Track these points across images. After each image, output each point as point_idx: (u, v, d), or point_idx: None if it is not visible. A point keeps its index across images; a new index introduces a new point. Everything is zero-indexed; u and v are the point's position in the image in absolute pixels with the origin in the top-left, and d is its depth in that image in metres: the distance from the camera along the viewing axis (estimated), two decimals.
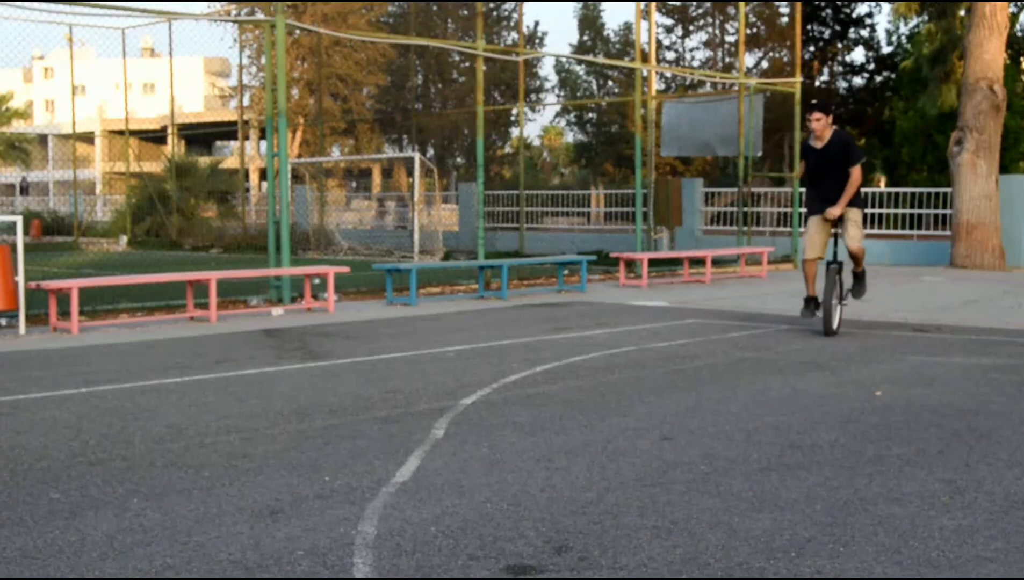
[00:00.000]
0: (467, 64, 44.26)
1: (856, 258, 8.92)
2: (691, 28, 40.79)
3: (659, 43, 39.31)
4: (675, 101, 23.85)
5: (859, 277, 9.21)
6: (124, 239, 25.22)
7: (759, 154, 22.70)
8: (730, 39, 39.99)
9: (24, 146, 48.02)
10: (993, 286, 14.75)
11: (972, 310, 11.36)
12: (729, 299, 12.53)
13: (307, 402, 5.85)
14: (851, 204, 8.69)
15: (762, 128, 20.60)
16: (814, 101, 8.67)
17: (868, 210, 21.69)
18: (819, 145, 8.67)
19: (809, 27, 31.33)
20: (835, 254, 8.87)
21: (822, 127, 8.59)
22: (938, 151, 26.09)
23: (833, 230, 8.87)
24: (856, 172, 8.58)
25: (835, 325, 8.86)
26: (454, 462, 4.48)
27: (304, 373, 6.91)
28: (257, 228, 26.69)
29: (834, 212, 8.58)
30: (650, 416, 5.49)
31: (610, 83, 46.59)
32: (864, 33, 32.86)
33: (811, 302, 8.97)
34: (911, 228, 21.48)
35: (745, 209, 19.02)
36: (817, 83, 32.36)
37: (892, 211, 21.64)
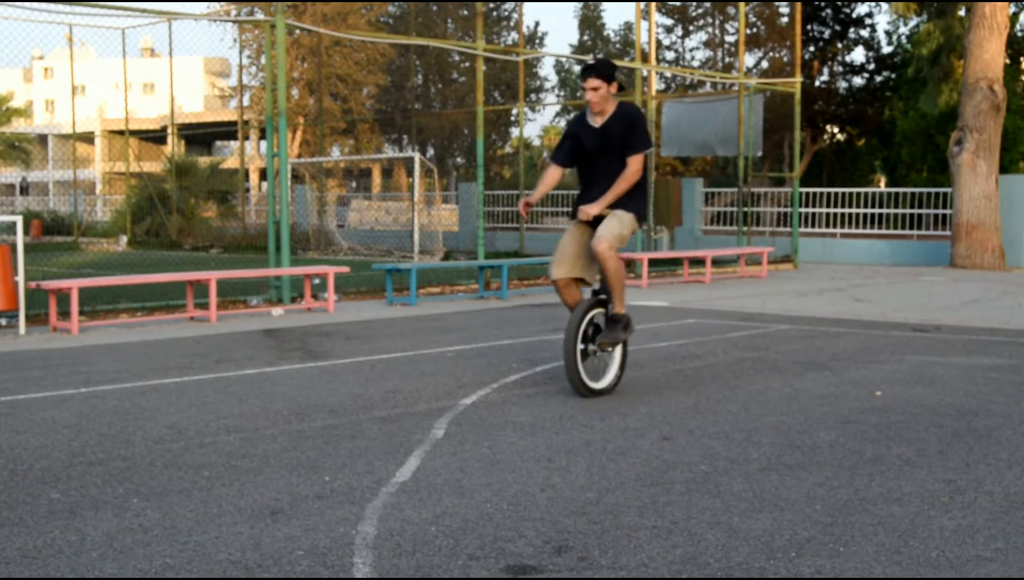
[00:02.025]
0: (467, 64, 44.26)
1: (602, 268, 6.00)
2: (691, 28, 40.80)
3: (659, 43, 39.31)
4: (675, 101, 23.85)
5: (615, 320, 6.07)
6: (124, 239, 25.21)
7: (759, 154, 22.71)
8: (730, 39, 40.00)
9: (24, 146, 48.00)
10: (993, 286, 14.75)
11: (972, 310, 11.36)
12: (729, 299, 12.53)
13: (307, 402, 5.85)
14: (625, 207, 6.06)
15: (762, 128, 20.60)
16: (590, 62, 6.10)
17: (868, 210, 21.79)
18: (597, 123, 6.10)
19: (809, 27, 31.33)
20: (602, 284, 6.17)
21: (600, 98, 6.01)
22: (938, 151, 26.11)
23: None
24: (635, 163, 5.99)
25: (597, 382, 6.04)
26: (454, 462, 4.48)
27: (304, 373, 6.91)
28: (257, 228, 26.69)
29: (589, 210, 6.01)
30: (650, 416, 5.49)
31: None
32: (864, 33, 32.87)
33: None
34: (911, 228, 21.50)
35: (745, 209, 19.02)
36: (817, 83, 32.36)
37: (892, 211, 21.65)
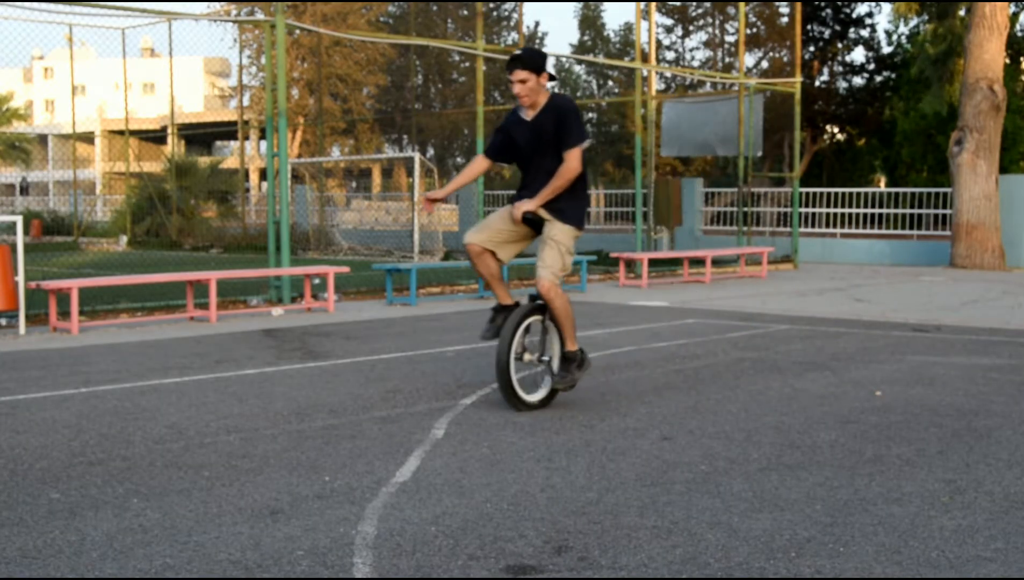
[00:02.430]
0: (467, 64, 44.26)
1: (549, 308, 5.58)
2: (691, 28, 40.81)
3: (659, 43, 39.33)
4: (675, 101, 23.85)
5: (568, 358, 5.66)
6: (124, 239, 25.21)
7: (759, 154, 22.71)
8: (730, 39, 40.01)
9: (24, 146, 48.00)
10: (993, 286, 14.75)
11: (972, 310, 11.36)
12: (729, 299, 12.53)
13: (307, 402, 5.85)
14: (562, 215, 5.60)
15: (762, 128, 20.60)
16: (516, 52, 5.62)
17: (868, 210, 21.80)
18: (529, 116, 5.65)
19: (809, 27, 31.33)
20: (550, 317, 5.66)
21: (529, 91, 5.55)
22: (938, 151, 26.13)
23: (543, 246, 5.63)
24: (572, 159, 5.51)
25: (531, 394, 5.62)
26: (454, 462, 4.48)
27: (304, 373, 6.91)
28: (257, 228, 26.69)
29: (524, 207, 5.54)
30: (650, 416, 5.49)
31: (610, 83, 46.60)
32: (864, 33, 32.88)
33: (496, 315, 5.75)
34: (911, 228, 21.50)
35: (745, 209, 19.02)
36: (817, 83, 32.37)
37: (892, 211, 21.66)
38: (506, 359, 5.40)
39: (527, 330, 5.59)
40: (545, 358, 5.71)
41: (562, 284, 5.61)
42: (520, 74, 5.52)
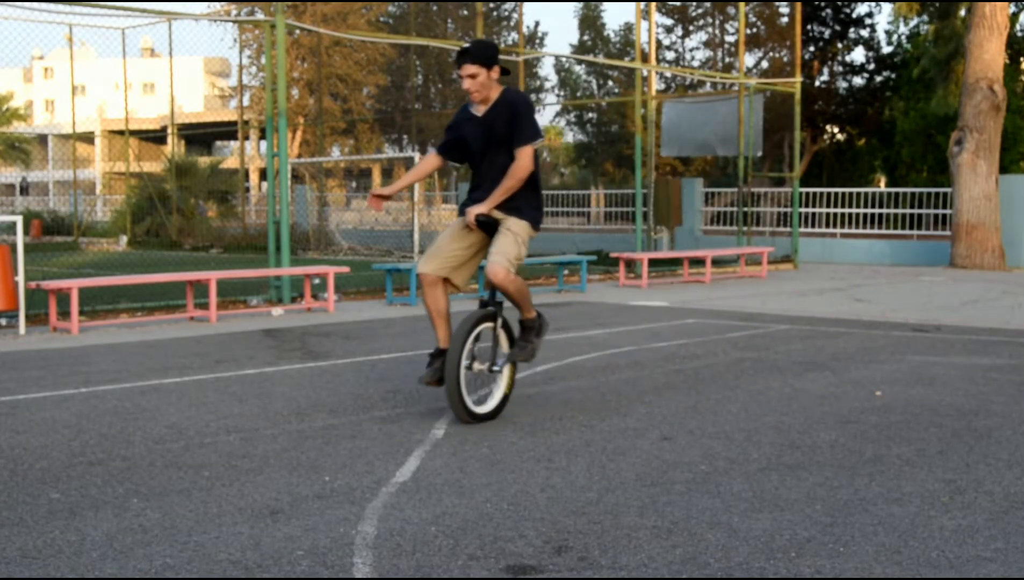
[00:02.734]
0: None
1: (504, 294, 5.34)
2: (691, 28, 40.79)
3: (659, 43, 39.32)
4: (675, 101, 23.85)
5: (527, 327, 5.49)
6: (124, 239, 25.21)
7: (759, 154, 22.71)
8: (730, 39, 39.99)
9: (24, 146, 48.01)
10: (993, 286, 14.75)
11: (972, 310, 11.36)
12: (729, 299, 12.53)
13: (307, 402, 5.85)
14: (519, 213, 5.36)
15: (762, 128, 20.60)
16: (464, 46, 5.31)
17: (868, 210, 21.81)
18: (480, 112, 5.35)
19: (809, 27, 31.33)
20: (492, 292, 5.45)
21: (480, 85, 5.24)
22: (938, 151, 26.12)
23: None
24: (524, 157, 5.24)
25: (481, 406, 5.33)
26: (454, 462, 4.48)
27: (304, 373, 6.91)
28: (257, 228, 26.69)
29: (475, 210, 5.28)
30: (650, 416, 5.49)
31: (610, 83, 46.59)
32: (864, 33, 32.88)
33: (434, 358, 5.39)
34: (911, 228, 21.50)
35: (745, 209, 19.02)
36: (817, 83, 32.37)
37: (892, 211, 21.66)
38: (456, 369, 5.06)
39: (477, 338, 5.27)
40: (496, 368, 5.38)
41: (515, 270, 5.30)
42: (469, 68, 5.20)
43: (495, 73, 5.27)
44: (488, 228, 5.33)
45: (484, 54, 5.22)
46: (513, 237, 5.29)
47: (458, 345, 5.10)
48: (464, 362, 5.12)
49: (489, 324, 5.34)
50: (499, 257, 5.19)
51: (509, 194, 5.27)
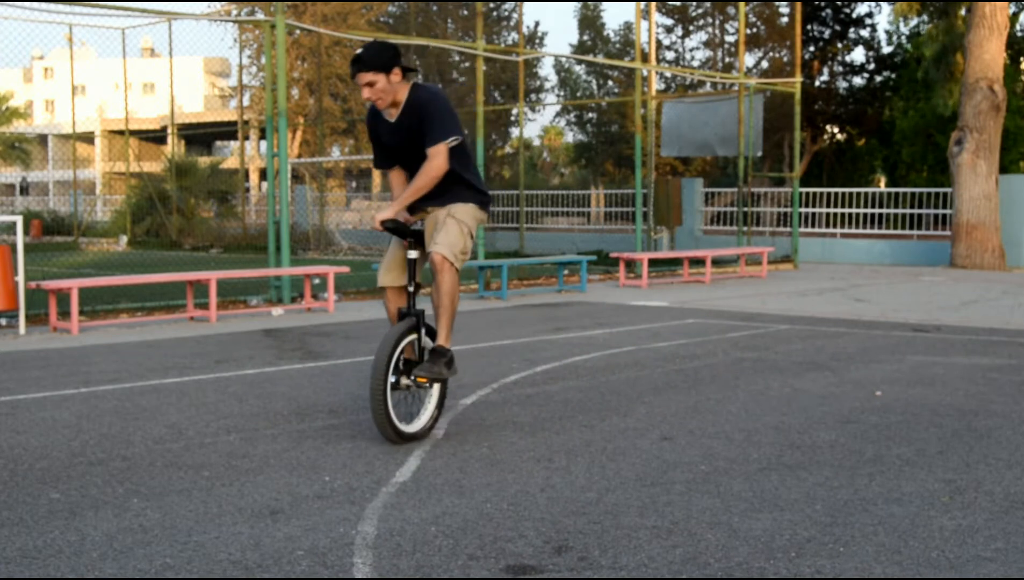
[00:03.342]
0: (467, 64, 44.26)
1: (434, 281, 4.88)
2: (691, 28, 40.77)
3: (659, 43, 39.31)
4: (675, 101, 23.85)
5: (438, 353, 4.89)
6: (124, 239, 25.21)
7: (759, 154, 22.71)
8: (730, 39, 39.98)
9: (24, 146, 48.00)
10: (993, 286, 14.75)
11: (972, 310, 11.36)
12: (729, 299, 12.53)
13: (307, 402, 5.85)
14: (455, 197, 5.01)
15: (762, 128, 20.60)
16: (356, 52, 4.88)
17: (868, 210, 21.82)
18: (393, 116, 4.99)
19: (809, 27, 31.32)
20: (411, 298, 5.00)
21: (381, 92, 4.84)
22: (938, 151, 26.12)
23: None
24: (436, 156, 4.84)
25: (408, 425, 4.89)
26: (454, 462, 4.48)
27: (304, 373, 6.91)
28: (257, 228, 26.69)
29: (381, 215, 4.92)
30: (650, 416, 5.49)
31: (610, 83, 46.58)
32: (864, 33, 32.87)
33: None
34: (911, 228, 21.51)
35: (745, 209, 19.03)
36: (817, 83, 32.36)
37: (892, 211, 21.66)
38: (382, 383, 4.63)
39: (403, 352, 4.84)
40: (421, 378, 4.87)
41: (461, 267, 4.91)
42: (365, 77, 4.79)
43: (396, 76, 4.84)
44: (399, 233, 4.92)
45: (378, 60, 4.81)
46: (457, 225, 4.92)
47: (384, 359, 4.67)
48: (391, 378, 4.71)
49: (413, 336, 4.91)
50: (440, 246, 4.82)
51: (420, 194, 4.90)
